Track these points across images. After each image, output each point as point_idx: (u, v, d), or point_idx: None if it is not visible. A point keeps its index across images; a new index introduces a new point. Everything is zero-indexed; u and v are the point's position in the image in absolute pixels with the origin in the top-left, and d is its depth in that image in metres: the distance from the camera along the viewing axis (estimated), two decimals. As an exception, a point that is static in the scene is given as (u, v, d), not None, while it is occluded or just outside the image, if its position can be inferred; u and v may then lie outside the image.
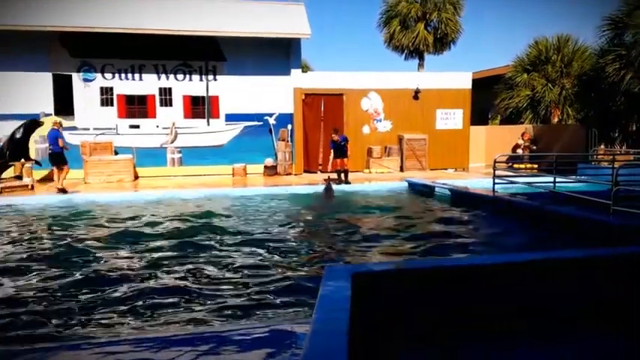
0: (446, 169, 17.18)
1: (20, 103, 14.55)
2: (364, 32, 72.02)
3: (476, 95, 18.04)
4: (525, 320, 3.36)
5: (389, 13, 24.64)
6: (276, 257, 6.89)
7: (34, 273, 6.12)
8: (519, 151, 18.52)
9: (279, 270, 6.21)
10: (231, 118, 16.08)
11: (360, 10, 67.92)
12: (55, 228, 9.02)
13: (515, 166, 17.21)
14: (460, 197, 11.34)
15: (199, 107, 15.92)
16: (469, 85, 17.51)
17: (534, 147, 18.63)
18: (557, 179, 9.88)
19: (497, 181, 10.40)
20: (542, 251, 5.95)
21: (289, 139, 16.10)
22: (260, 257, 6.86)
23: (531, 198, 9.65)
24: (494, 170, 10.61)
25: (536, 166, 16.93)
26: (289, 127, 16.19)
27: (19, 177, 13.28)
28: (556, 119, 21.51)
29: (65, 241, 7.83)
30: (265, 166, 15.84)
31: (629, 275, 3.60)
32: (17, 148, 13.24)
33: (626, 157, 16.80)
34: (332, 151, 13.86)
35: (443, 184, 12.55)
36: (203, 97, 15.89)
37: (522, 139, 18.84)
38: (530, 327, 3.33)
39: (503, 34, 65.00)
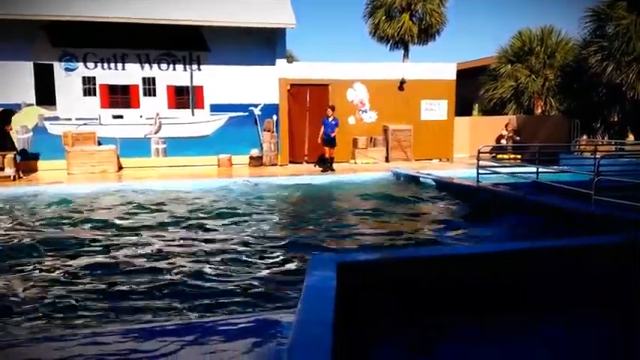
0: (431, 159, 17.26)
1: (0, 92, 14.28)
2: (350, 23, 71.79)
3: (460, 86, 18.11)
4: (513, 309, 3.41)
5: (374, 4, 24.60)
6: (261, 246, 6.88)
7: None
8: (503, 142, 18.65)
9: (264, 259, 6.21)
10: (216, 108, 15.96)
11: (346, 0, 67.65)
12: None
13: (499, 156, 17.34)
14: (444, 187, 11.43)
15: (183, 97, 15.77)
16: (453, 76, 17.56)
17: (518, 137, 18.78)
18: (540, 169, 10.00)
19: (481, 171, 10.49)
20: (527, 241, 6.01)
21: (275, 129, 16.04)
22: (244, 246, 6.86)
23: (514, 188, 9.75)
24: (478, 161, 10.70)
25: (519, 156, 17.08)
26: (275, 117, 16.12)
27: (1, 168, 13.07)
28: (539, 110, 21.72)
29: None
30: (251, 157, 15.78)
31: (614, 264, 3.66)
32: None
33: (608, 148, 17.03)
34: (323, 126, 14.16)
35: (428, 174, 12.64)
36: (187, 87, 15.74)
37: (506, 129, 18.98)
38: (518, 315, 3.37)
39: (487, 25, 65.26)
